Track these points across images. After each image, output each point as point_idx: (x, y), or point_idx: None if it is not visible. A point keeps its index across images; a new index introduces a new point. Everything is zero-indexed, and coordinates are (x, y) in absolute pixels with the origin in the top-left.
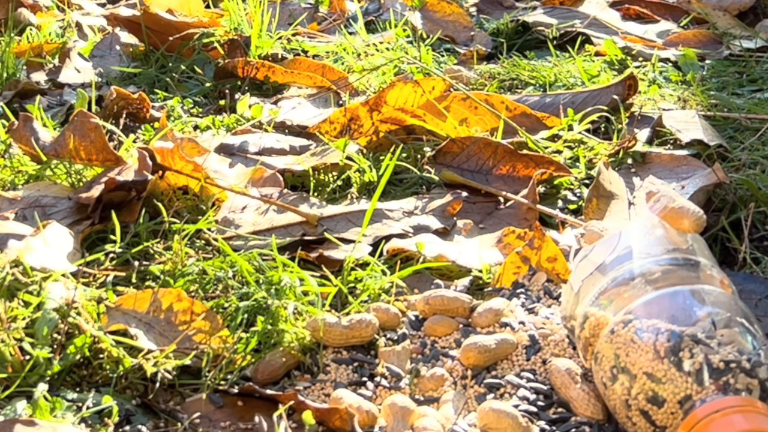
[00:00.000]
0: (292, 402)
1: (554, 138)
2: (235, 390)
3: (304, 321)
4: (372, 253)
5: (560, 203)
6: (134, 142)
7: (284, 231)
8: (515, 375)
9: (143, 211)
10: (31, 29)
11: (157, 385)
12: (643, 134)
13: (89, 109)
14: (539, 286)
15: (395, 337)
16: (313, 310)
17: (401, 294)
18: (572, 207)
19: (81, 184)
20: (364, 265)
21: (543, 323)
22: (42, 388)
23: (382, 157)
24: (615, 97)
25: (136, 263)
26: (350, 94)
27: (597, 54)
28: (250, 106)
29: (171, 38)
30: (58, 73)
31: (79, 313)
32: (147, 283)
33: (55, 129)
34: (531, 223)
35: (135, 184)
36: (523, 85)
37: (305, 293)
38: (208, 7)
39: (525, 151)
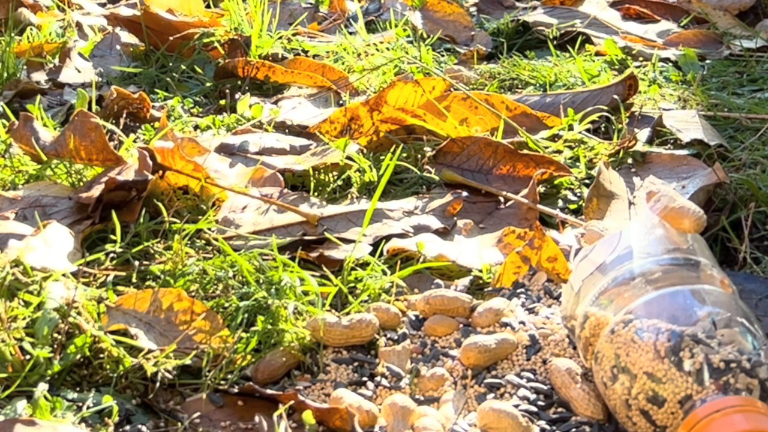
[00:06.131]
0: (292, 402)
1: (554, 138)
2: (235, 390)
3: (304, 321)
4: (372, 253)
5: (560, 203)
6: (134, 141)
7: (284, 231)
8: (515, 375)
9: (143, 210)
10: (31, 29)
11: (158, 384)
12: (643, 134)
13: (89, 108)
14: (539, 285)
15: (395, 337)
16: (313, 310)
17: (401, 294)
18: (572, 207)
19: (81, 183)
20: (364, 265)
21: (543, 323)
22: (42, 388)
23: (382, 157)
24: (615, 96)
25: (137, 263)
26: (350, 94)
27: (597, 54)
28: (250, 106)
29: (171, 38)
30: (58, 72)
31: (79, 313)
32: (147, 283)
33: (55, 129)
34: (531, 222)
35: (135, 184)
36: (524, 84)
37: (305, 293)
38: (208, 6)
39: (525, 151)
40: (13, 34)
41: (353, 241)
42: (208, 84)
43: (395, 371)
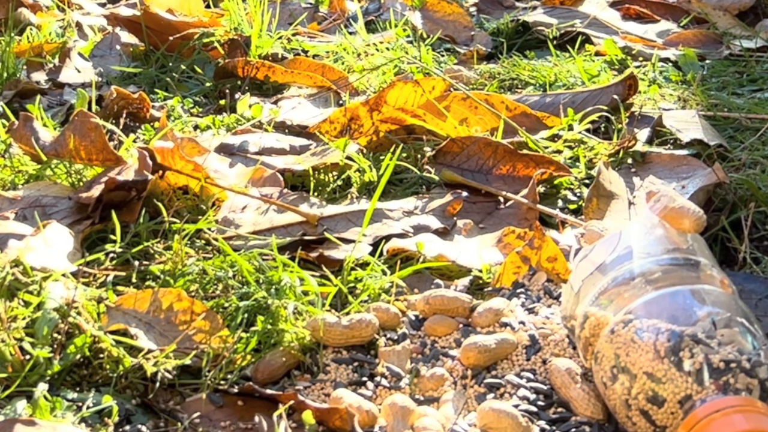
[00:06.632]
0: (292, 402)
1: (554, 138)
2: (235, 390)
3: (304, 321)
4: (372, 253)
5: (560, 203)
6: (134, 141)
7: (284, 231)
8: (515, 375)
9: (143, 210)
10: (31, 29)
11: (157, 384)
12: (643, 134)
13: (89, 108)
14: (539, 285)
15: (395, 337)
16: (313, 310)
17: (401, 294)
18: (572, 207)
19: (81, 183)
20: (364, 265)
21: (543, 323)
22: (42, 388)
23: (382, 157)
24: (615, 96)
25: (136, 263)
26: (350, 94)
27: (597, 54)
28: (250, 106)
29: (171, 38)
30: (58, 72)
31: (79, 313)
32: (147, 283)
33: (55, 129)
34: (531, 222)
35: (135, 184)
36: (523, 84)
37: (305, 293)
38: (208, 6)
39: (525, 151)
40: (13, 34)
41: (353, 241)
42: (208, 84)
43: (395, 371)
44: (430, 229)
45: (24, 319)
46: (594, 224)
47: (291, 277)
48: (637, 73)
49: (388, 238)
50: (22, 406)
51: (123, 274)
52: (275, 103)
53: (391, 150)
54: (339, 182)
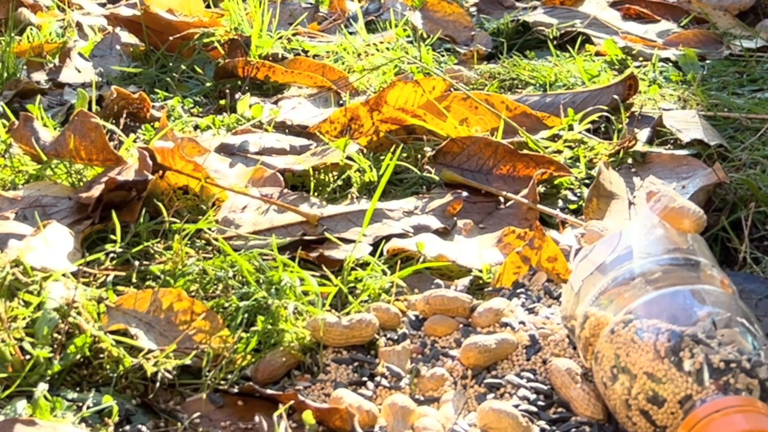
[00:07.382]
0: (292, 402)
1: (554, 138)
2: (235, 390)
3: (304, 321)
4: (372, 253)
5: (560, 203)
6: (134, 141)
7: (284, 231)
8: (515, 375)
9: (143, 210)
10: (31, 29)
11: (158, 384)
12: (643, 134)
13: (90, 108)
14: (539, 286)
15: (395, 337)
16: (313, 310)
17: (401, 294)
18: (572, 207)
19: (81, 183)
20: (364, 265)
21: (543, 323)
22: (42, 388)
23: (382, 157)
24: (615, 96)
25: (137, 263)
26: (350, 94)
27: (597, 54)
28: (250, 106)
29: (171, 38)
30: (58, 72)
31: (79, 313)
32: (147, 283)
33: (55, 129)
34: (531, 222)
35: (135, 184)
36: (524, 84)
37: (305, 293)
38: (208, 6)
39: (525, 151)
40: (13, 34)
41: (353, 241)
42: (208, 84)
43: (395, 371)
44: (430, 229)
45: (24, 319)
46: (594, 224)
47: (291, 277)
48: (638, 73)
49: (388, 238)
50: (22, 406)
51: (123, 274)
52: (275, 103)
53: (391, 150)
54: (339, 182)
